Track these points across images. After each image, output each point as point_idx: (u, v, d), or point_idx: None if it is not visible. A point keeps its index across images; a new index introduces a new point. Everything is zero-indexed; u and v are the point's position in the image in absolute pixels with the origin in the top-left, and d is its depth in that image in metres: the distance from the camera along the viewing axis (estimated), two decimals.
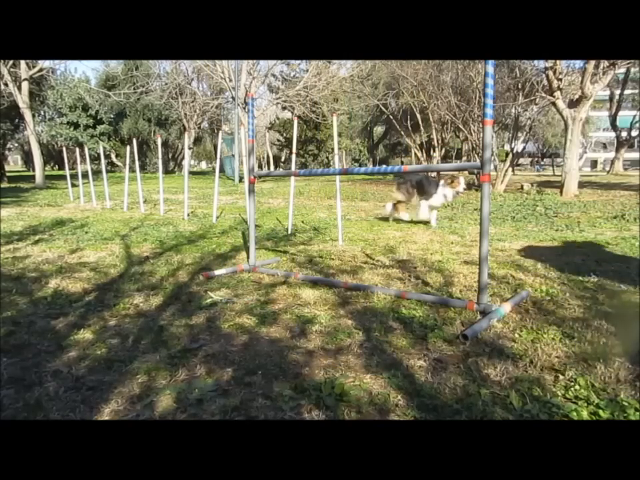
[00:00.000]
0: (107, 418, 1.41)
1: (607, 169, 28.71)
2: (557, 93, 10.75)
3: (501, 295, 2.64)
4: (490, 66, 2.16)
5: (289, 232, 5.29)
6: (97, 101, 27.28)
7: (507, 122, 14.42)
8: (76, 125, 27.64)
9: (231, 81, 19.39)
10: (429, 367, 1.72)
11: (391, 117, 18.49)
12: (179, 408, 1.45)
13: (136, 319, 2.29)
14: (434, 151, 15.02)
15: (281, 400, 1.48)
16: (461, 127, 13.30)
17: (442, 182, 5.62)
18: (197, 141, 37.20)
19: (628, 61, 11.00)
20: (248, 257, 3.57)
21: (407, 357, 1.81)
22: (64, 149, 16.47)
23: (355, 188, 13.93)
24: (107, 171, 12.15)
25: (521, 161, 35.24)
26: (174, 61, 23.33)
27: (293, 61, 24.41)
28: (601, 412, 1.38)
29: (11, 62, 16.92)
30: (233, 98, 19.11)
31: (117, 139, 30.81)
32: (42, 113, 30.38)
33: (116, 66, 29.14)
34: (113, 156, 31.11)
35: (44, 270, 3.36)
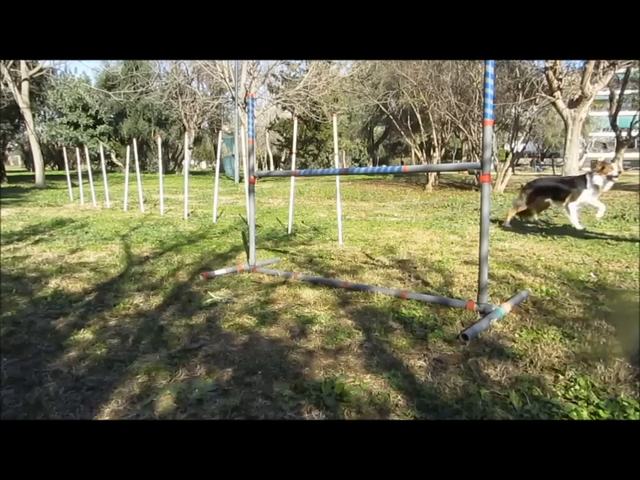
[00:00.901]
0: (107, 418, 1.41)
1: None
2: (557, 93, 10.76)
3: (501, 295, 2.64)
4: (490, 66, 2.16)
5: (289, 232, 5.28)
6: (97, 101, 27.28)
7: (507, 122, 14.43)
8: (76, 125, 27.64)
9: (231, 80, 19.40)
10: (428, 367, 1.72)
11: (391, 116, 18.47)
12: (178, 408, 1.45)
13: (136, 319, 2.29)
14: (434, 150, 15.01)
15: (281, 400, 1.48)
16: (461, 126, 13.30)
17: (588, 172, 4.68)
18: (197, 140, 37.20)
19: (628, 61, 11.00)
20: (248, 257, 3.57)
21: (407, 356, 1.81)
22: (64, 148, 16.47)
23: (354, 188, 13.94)
24: (107, 171, 12.15)
25: (521, 161, 35.20)
26: (174, 61, 23.33)
27: (292, 61, 24.42)
28: (601, 412, 1.38)
29: (10, 62, 16.92)
30: (233, 98, 19.12)
31: (116, 139, 30.81)
32: (42, 113, 30.38)
33: (116, 66, 29.13)
34: (113, 156, 31.11)
35: (44, 270, 3.36)
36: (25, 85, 17.46)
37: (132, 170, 14.42)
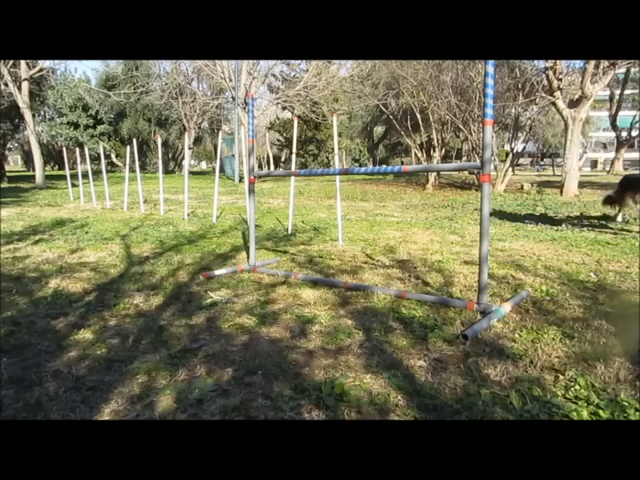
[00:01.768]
0: (107, 418, 1.41)
1: (607, 169, 28.69)
2: (557, 93, 10.75)
3: (501, 295, 2.64)
4: (490, 66, 2.16)
5: (289, 232, 5.28)
6: (97, 101, 27.28)
7: (507, 122, 14.42)
8: (76, 125, 27.64)
9: (231, 80, 19.39)
10: (429, 367, 1.72)
11: (391, 117, 18.45)
12: (178, 408, 1.45)
13: (136, 319, 2.29)
14: (434, 150, 15.00)
15: (281, 400, 1.48)
16: (461, 126, 13.30)
17: None
18: (197, 140, 37.19)
19: (628, 61, 10.99)
20: (248, 257, 3.57)
21: (407, 356, 1.81)
22: (64, 149, 16.45)
23: (354, 188, 13.93)
24: (107, 171, 12.15)
25: (521, 160, 35.20)
26: (174, 61, 23.33)
27: (292, 61, 24.41)
28: (601, 412, 1.38)
29: (11, 62, 16.92)
30: (233, 98, 19.11)
31: (117, 139, 30.81)
32: (42, 113, 30.38)
33: (116, 66, 29.13)
34: (113, 156, 31.11)
35: (44, 270, 3.36)
36: (25, 85, 17.46)
37: (132, 170, 14.41)
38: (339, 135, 28.21)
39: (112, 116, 29.65)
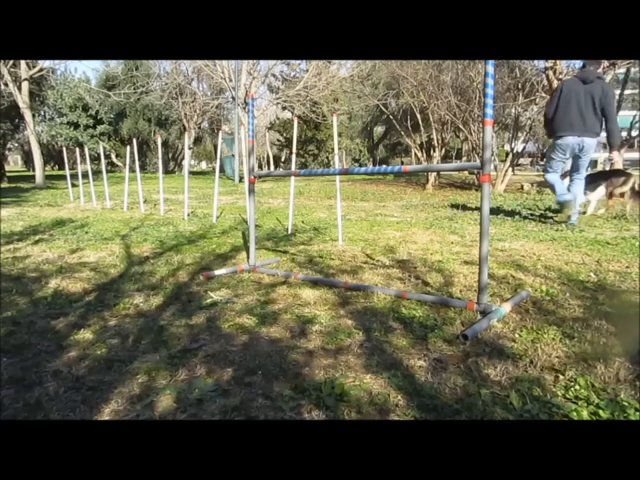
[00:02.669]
0: (107, 418, 1.41)
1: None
2: None
3: (501, 295, 2.64)
4: (490, 66, 2.16)
5: (289, 232, 5.28)
6: (97, 101, 27.29)
7: (507, 122, 14.41)
8: (76, 125, 27.65)
9: (231, 80, 19.40)
10: (429, 367, 1.72)
11: (391, 116, 18.47)
12: (178, 408, 1.45)
13: (136, 319, 2.29)
14: (434, 150, 15.00)
15: (281, 400, 1.48)
16: (461, 126, 13.29)
17: None
18: (197, 140, 37.20)
19: (628, 61, 10.99)
20: (248, 257, 3.57)
21: (407, 356, 1.81)
22: (64, 149, 16.45)
23: (354, 188, 13.93)
24: (107, 171, 12.15)
25: (521, 160, 35.19)
26: (174, 61, 23.33)
27: (292, 61, 24.41)
28: (601, 412, 1.38)
29: (11, 62, 16.92)
30: (233, 98, 19.12)
31: (117, 139, 30.82)
32: (42, 113, 30.39)
33: (116, 66, 29.14)
34: (113, 156, 31.12)
35: (44, 270, 3.36)
36: (25, 85, 17.46)
37: (132, 170, 14.42)
38: (339, 135, 28.20)
39: (112, 116, 29.67)
